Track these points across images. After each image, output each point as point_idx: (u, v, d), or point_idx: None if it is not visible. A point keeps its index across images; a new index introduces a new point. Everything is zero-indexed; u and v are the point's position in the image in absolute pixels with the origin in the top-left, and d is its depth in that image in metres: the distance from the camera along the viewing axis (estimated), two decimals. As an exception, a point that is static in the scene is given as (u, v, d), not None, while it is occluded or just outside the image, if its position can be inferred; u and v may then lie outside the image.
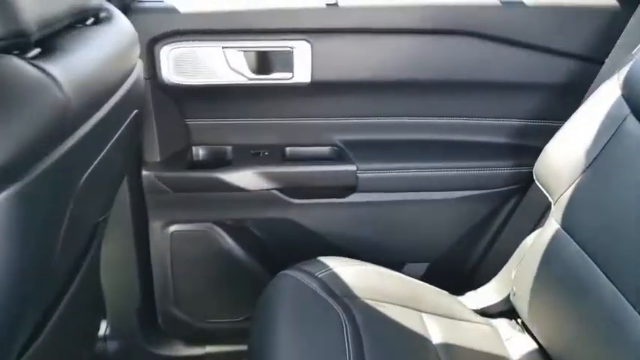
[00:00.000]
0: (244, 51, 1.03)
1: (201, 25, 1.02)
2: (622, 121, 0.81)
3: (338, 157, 1.17)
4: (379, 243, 1.20)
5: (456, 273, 1.23)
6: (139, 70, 0.79)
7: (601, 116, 0.85)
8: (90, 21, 0.67)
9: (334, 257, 1.00)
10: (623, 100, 0.83)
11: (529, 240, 0.97)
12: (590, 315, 0.76)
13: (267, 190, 1.12)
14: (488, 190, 1.16)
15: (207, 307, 1.23)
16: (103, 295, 1.12)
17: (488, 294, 1.03)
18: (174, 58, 1.02)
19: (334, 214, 1.16)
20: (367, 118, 1.16)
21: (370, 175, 1.13)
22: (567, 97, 1.06)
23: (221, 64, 1.03)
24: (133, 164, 1.08)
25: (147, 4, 1.02)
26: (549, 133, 0.97)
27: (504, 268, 1.02)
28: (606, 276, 0.74)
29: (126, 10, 0.98)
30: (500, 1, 1.03)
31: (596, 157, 0.83)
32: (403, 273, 1.23)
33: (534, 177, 0.97)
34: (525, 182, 1.12)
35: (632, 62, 0.83)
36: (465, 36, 1.05)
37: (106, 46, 0.65)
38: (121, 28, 0.73)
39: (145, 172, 1.09)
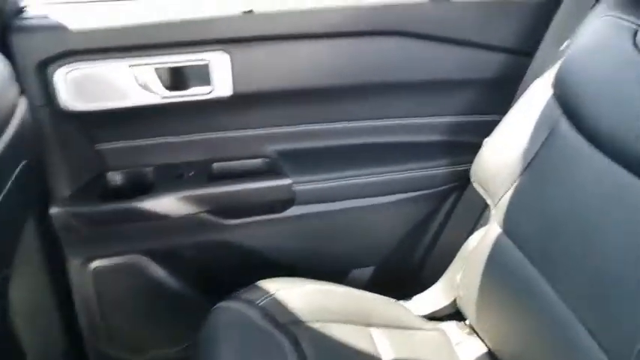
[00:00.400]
0: (155, 67, 0.93)
1: (102, 43, 0.90)
2: (555, 123, 0.80)
3: (271, 169, 1.10)
4: (323, 253, 1.16)
5: (402, 275, 1.21)
6: (22, 112, 0.68)
7: (534, 117, 0.84)
8: None
9: (275, 279, 0.95)
10: (554, 99, 0.82)
11: (471, 241, 0.96)
12: (534, 320, 0.76)
13: (195, 213, 1.03)
14: (427, 191, 1.13)
15: (144, 340, 1.14)
16: (22, 348, 1.01)
17: (435, 297, 1.02)
18: (72, 81, 0.90)
19: (273, 231, 1.10)
20: (299, 125, 1.10)
21: (307, 186, 1.07)
22: (500, 91, 1.05)
23: (130, 84, 0.93)
24: (37, 205, 0.96)
25: (32, 22, 0.88)
26: (484, 128, 0.96)
27: (449, 269, 1.01)
28: (547, 281, 0.73)
29: (5, 31, 0.86)
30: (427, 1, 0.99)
31: (532, 160, 0.82)
32: (349, 279, 1.22)
33: (472, 180, 0.96)
34: (463, 180, 1.10)
35: (561, 60, 0.82)
36: (391, 36, 1.00)
37: None
38: None
39: (53, 210, 0.97)
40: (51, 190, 0.98)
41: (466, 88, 1.10)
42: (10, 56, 0.83)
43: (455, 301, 0.97)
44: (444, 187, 1.14)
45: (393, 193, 1.12)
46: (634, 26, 0.71)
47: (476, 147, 0.95)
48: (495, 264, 0.85)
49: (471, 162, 0.96)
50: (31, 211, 0.93)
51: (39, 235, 0.97)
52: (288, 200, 1.08)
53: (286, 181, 1.06)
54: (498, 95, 1.04)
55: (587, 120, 0.74)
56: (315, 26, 0.97)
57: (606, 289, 0.65)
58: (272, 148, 1.10)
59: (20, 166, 0.67)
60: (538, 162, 0.81)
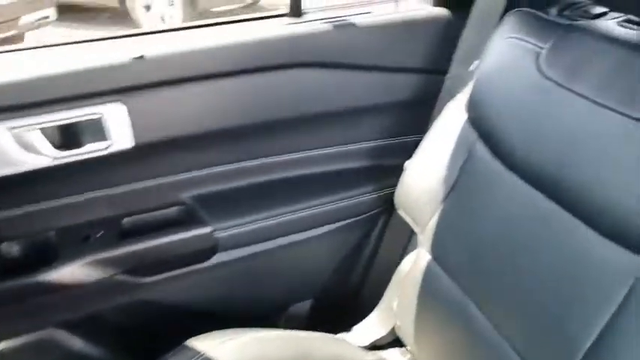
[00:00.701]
0: (41, 128, 0.83)
1: None
2: (472, 146, 0.79)
3: (188, 217, 1.02)
4: (256, 295, 1.10)
5: (341, 305, 1.18)
6: None
7: (452, 140, 0.83)
8: None
9: (206, 335, 0.88)
10: (469, 123, 0.81)
11: (403, 268, 0.94)
12: (468, 345, 0.75)
13: (110, 276, 0.95)
14: (356, 218, 1.10)
15: None
16: None
17: (374, 327, 1.00)
18: None
19: (198, 282, 1.03)
20: (213, 167, 1.02)
21: (230, 232, 1.00)
22: (418, 111, 1.03)
23: (12, 149, 0.82)
24: None
25: None
26: (406, 150, 0.94)
27: (384, 296, 0.99)
28: (477, 306, 0.73)
29: None
30: (327, 28, 0.95)
31: (453, 185, 0.81)
32: (289, 315, 1.17)
33: (397, 208, 0.94)
34: (389, 203, 1.08)
35: (472, 83, 0.81)
36: (296, 68, 0.95)
37: None
38: None
39: None
40: None
41: (383, 111, 1.07)
42: None
43: (394, 328, 0.95)
44: (371, 213, 1.11)
45: (321, 225, 1.08)
46: (537, 49, 0.71)
47: (399, 169, 0.94)
48: (427, 291, 0.84)
49: (396, 185, 0.94)
50: None
51: None
52: (211, 248, 1.01)
53: (206, 229, 0.99)
54: (416, 116, 1.02)
55: (501, 145, 0.73)
56: (213, 65, 0.91)
57: (533, 312, 0.65)
58: (187, 195, 1.02)
59: None
60: (459, 187, 0.80)
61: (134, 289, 0.98)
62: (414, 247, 0.93)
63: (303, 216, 1.05)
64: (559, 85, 0.66)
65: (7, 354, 0.94)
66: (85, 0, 4.50)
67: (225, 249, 1.02)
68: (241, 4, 4.50)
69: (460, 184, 0.80)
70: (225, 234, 1.00)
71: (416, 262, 0.88)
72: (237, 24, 0.99)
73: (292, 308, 1.18)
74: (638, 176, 0.56)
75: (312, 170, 1.08)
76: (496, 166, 0.74)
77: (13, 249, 0.95)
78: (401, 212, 0.92)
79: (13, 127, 0.82)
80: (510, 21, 0.77)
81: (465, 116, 0.82)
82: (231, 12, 4.37)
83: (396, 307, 0.92)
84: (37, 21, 3.63)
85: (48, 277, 0.89)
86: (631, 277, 0.55)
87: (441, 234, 0.82)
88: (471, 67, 0.84)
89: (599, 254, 0.59)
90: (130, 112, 0.87)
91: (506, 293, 0.69)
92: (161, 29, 0.98)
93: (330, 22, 0.94)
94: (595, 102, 0.61)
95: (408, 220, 0.91)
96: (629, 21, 0.67)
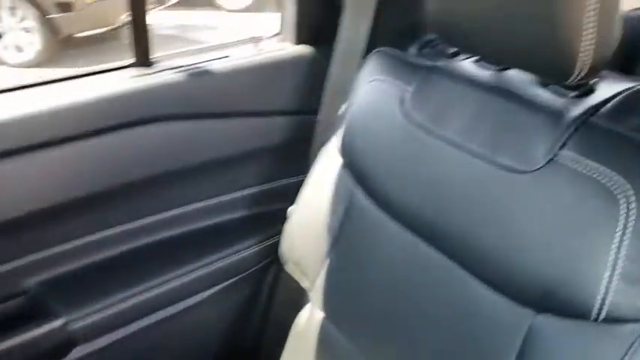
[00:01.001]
0: None
1: None
2: (351, 194, 0.74)
3: (35, 308, 0.86)
4: None
5: None
6: None
7: (330, 187, 0.78)
8: None
9: None
10: (346, 169, 0.76)
11: (298, 327, 0.88)
12: None
13: None
14: (243, 274, 1.01)
15: None
16: None
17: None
18: None
19: None
20: (64, 244, 0.88)
21: (90, 319, 0.86)
22: (295, 154, 0.97)
23: None
24: None
25: None
26: (287, 194, 0.88)
27: (283, 356, 0.92)
28: None
29: None
30: (181, 77, 0.86)
31: (337, 236, 0.76)
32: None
33: (282, 262, 0.87)
34: (276, 253, 1.01)
35: (343, 127, 0.77)
36: (155, 122, 0.86)
37: None
38: None
39: None
40: None
41: (257, 157, 1.00)
42: None
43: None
44: (259, 266, 1.03)
45: (204, 288, 0.97)
46: (400, 93, 0.68)
47: (283, 216, 0.87)
48: (323, 352, 0.78)
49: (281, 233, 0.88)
50: None
51: None
52: (66, 343, 0.86)
53: (55, 323, 0.84)
54: (294, 158, 0.97)
55: (378, 192, 0.70)
56: (50, 132, 0.79)
57: None
58: (31, 281, 0.86)
59: None
60: (344, 237, 0.75)
61: None
62: (308, 304, 0.88)
63: (181, 283, 0.94)
64: (425, 130, 0.63)
65: None
66: None
67: (85, 341, 0.87)
68: (108, 28, 4.20)
69: (344, 234, 0.75)
70: (82, 323, 0.86)
71: (309, 321, 0.82)
72: (77, 79, 0.87)
73: None
74: (511, 224, 0.53)
75: (186, 228, 0.98)
76: (376, 213, 0.70)
77: None
78: (287, 266, 0.86)
79: None
80: (373, 62, 0.74)
81: (340, 161, 0.77)
82: (97, 37, 4.07)
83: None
84: None
85: None
86: (521, 331, 0.53)
87: (331, 290, 0.77)
88: (341, 110, 0.80)
89: (484, 305, 0.56)
90: None
91: (402, 353, 0.65)
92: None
93: (185, 70, 0.85)
94: (460, 147, 0.59)
95: (295, 274, 0.85)
96: (483, 60, 0.66)
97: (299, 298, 0.98)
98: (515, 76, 0.60)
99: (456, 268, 0.59)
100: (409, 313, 0.65)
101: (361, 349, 0.71)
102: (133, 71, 0.87)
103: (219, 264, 0.98)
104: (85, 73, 0.88)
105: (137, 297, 0.90)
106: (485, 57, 0.60)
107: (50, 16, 3.83)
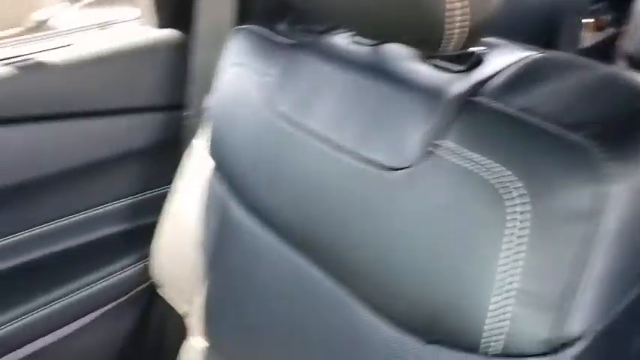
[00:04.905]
0: None
1: None
2: (224, 202, 0.62)
3: None
4: None
5: None
6: None
7: (202, 196, 0.65)
8: None
9: None
10: (217, 173, 0.64)
11: (183, 358, 0.75)
12: None
13: None
14: (122, 299, 0.86)
15: None
16: None
17: None
18: None
19: None
20: None
21: None
22: (162, 158, 0.83)
23: None
24: None
25: None
26: (158, 207, 0.75)
27: None
28: None
29: None
30: (10, 72, 0.69)
31: (214, 254, 0.64)
32: None
33: (155, 287, 0.74)
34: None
35: (211, 124, 0.64)
36: None
37: None
38: None
39: None
40: None
41: (123, 162, 0.84)
42: None
43: None
44: (140, 288, 0.88)
45: (81, 314, 0.82)
46: (263, 78, 0.56)
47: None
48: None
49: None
50: None
51: None
52: None
53: None
54: (161, 164, 0.82)
55: (250, 198, 0.58)
56: None
57: None
58: None
59: None
60: (220, 256, 0.64)
61: None
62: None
63: (53, 310, 0.79)
64: (289, 121, 0.52)
65: None
66: None
67: None
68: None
69: (220, 252, 0.63)
70: None
71: (192, 352, 0.70)
72: None
73: None
74: (386, 234, 0.43)
75: (43, 252, 0.82)
76: (253, 226, 0.58)
77: None
78: (161, 290, 0.73)
79: None
80: (236, 43, 0.61)
81: (211, 163, 0.65)
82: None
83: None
84: None
85: None
86: None
87: (211, 316, 0.65)
88: (205, 102, 0.67)
89: (366, 332, 0.46)
90: None
91: None
92: None
93: (15, 63, 0.69)
94: (326, 141, 0.48)
95: (172, 299, 0.72)
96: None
97: (182, 326, 0.85)
98: (392, 51, 0.49)
99: (335, 286, 0.49)
100: (293, 340, 0.54)
101: None
102: None
103: (93, 288, 0.83)
104: None
105: (6, 326, 0.75)
106: (362, 30, 0.49)
107: None
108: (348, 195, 0.45)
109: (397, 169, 0.41)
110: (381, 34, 0.46)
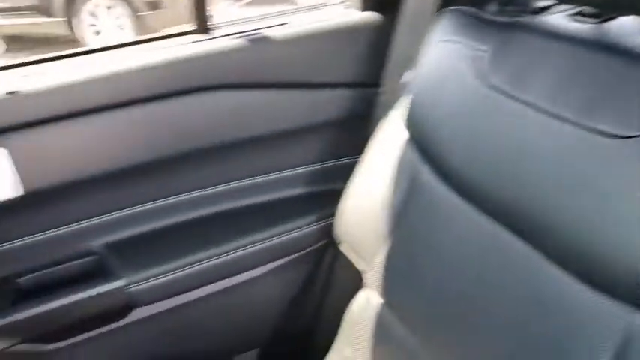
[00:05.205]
0: None
1: None
2: (416, 171, 0.67)
3: (99, 269, 0.87)
4: (190, 351, 0.96)
5: (290, 353, 1.05)
6: None
7: (392, 163, 0.71)
8: None
9: None
10: (411, 143, 0.69)
11: (353, 312, 0.81)
12: None
13: (9, 347, 0.80)
14: (299, 253, 0.97)
15: None
16: None
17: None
18: None
19: (112, 345, 0.88)
20: (125, 209, 0.88)
21: (148, 283, 0.86)
22: (354, 130, 0.91)
23: None
24: None
25: None
26: (344, 174, 0.82)
27: (336, 343, 0.86)
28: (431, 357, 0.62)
29: None
30: (239, 44, 0.82)
31: (398, 216, 0.69)
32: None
33: (337, 242, 0.81)
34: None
35: (410, 98, 0.70)
36: (212, 90, 0.82)
37: None
38: None
39: None
40: None
41: (315, 132, 0.94)
42: None
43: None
44: (315, 246, 0.97)
45: (258, 264, 0.94)
46: (476, 53, 0.59)
47: (340, 196, 0.81)
48: (380, 339, 0.72)
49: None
50: None
51: None
52: (126, 304, 0.86)
53: (117, 283, 0.85)
54: (352, 135, 0.90)
55: (447, 167, 0.62)
56: (112, 95, 0.77)
57: None
58: (97, 243, 0.87)
59: None
60: (406, 219, 0.68)
61: (37, 358, 0.83)
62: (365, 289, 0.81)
63: (235, 256, 0.91)
64: (504, 93, 0.55)
65: None
66: (32, 30, 4.32)
67: (143, 304, 0.87)
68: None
69: (407, 214, 0.68)
70: (143, 286, 0.86)
71: (366, 306, 0.76)
72: (138, 45, 0.86)
73: (237, 359, 1.04)
74: (603, 199, 0.44)
75: (242, 203, 0.94)
76: (444, 192, 0.62)
77: None
78: (343, 247, 0.80)
79: None
80: (444, 22, 0.66)
81: (405, 134, 0.70)
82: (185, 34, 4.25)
83: (351, 354, 0.80)
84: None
85: None
86: (616, 332, 0.43)
87: (389, 274, 0.70)
88: (404, 78, 0.72)
89: (569, 300, 0.47)
90: (13, 155, 0.74)
91: (467, 344, 0.58)
92: (47, 57, 0.84)
93: (242, 37, 0.82)
94: (546, 112, 0.50)
95: (351, 256, 0.79)
96: (581, 14, 0.56)
97: (356, 282, 0.92)
98: (623, 25, 0.50)
99: (535, 254, 0.51)
100: (479, 304, 0.57)
101: (422, 340, 0.64)
102: (192, 38, 0.85)
103: (275, 240, 0.94)
104: (145, 39, 0.86)
105: (195, 266, 0.89)
106: (588, 5, 0.51)
107: (141, 14, 4.05)
108: (564, 162, 0.48)
109: (626, 137, 0.43)
110: (616, 7, 0.47)
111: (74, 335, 0.85)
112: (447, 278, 0.61)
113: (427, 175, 0.65)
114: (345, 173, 0.83)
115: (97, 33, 4.21)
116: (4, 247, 0.82)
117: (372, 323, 0.73)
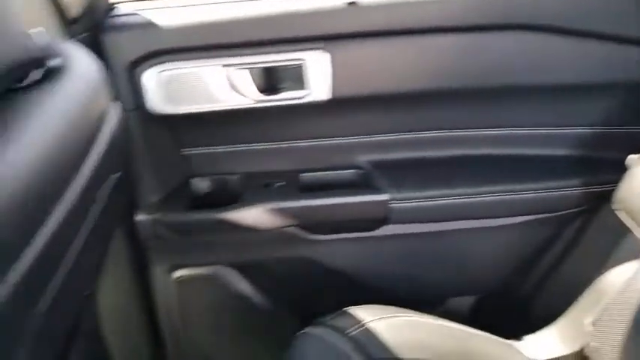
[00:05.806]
0: (249, 68, 0.85)
1: (194, 41, 0.83)
2: None
3: (364, 181, 0.99)
4: (416, 278, 1.03)
5: (509, 309, 1.06)
6: (114, 120, 0.62)
7: None
8: (35, 76, 0.50)
9: (365, 307, 0.85)
10: None
11: (612, 279, 0.79)
12: None
13: (283, 227, 0.95)
14: (549, 214, 0.96)
15: (224, 355, 1.09)
16: (111, 355, 0.98)
17: (553, 342, 0.86)
18: (162, 82, 0.84)
19: (362, 250, 0.99)
20: (399, 133, 0.98)
21: (405, 204, 0.94)
22: None
23: (222, 86, 0.85)
24: (124, 213, 0.92)
25: (123, 20, 0.83)
26: (630, 143, 0.80)
27: (573, 308, 0.85)
28: None
29: (97, 30, 0.81)
30: None
31: None
32: (444, 309, 1.09)
33: (615, 207, 0.79)
34: (594, 203, 0.93)
35: None
36: (516, 30, 0.84)
37: (58, 114, 0.49)
38: (79, 76, 0.56)
39: (140, 217, 0.93)
40: (137, 197, 0.93)
41: (609, 92, 0.92)
42: (102, 58, 0.79)
43: (582, 350, 0.81)
44: (570, 211, 0.96)
45: (506, 215, 0.96)
46: None
47: (616, 165, 0.79)
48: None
49: (608, 182, 0.80)
50: (118, 221, 0.89)
51: (125, 241, 0.94)
52: (382, 219, 0.96)
53: (382, 197, 0.94)
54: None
55: None
56: (430, 20, 0.84)
57: None
58: (367, 158, 0.99)
59: (113, 179, 0.61)
60: None
61: (302, 244, 0.98)
62: (623, 257, 0.78)
63: (487, 200, 0.94)
64: None
65: (183, 281, 1.00)
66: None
67: (397, 222, 0.96)
68: None
69: None
70: (399, 205, 0.94)
71: (636, 275, 0.73)
72: None
73: (451, 301, 1.09)
74: None
75: (510, 151, 0.97)
76: None
77: (201, 185, 1.00)
78: (620, 213, 0.78)
79: (226, 65, 0.85)
80: None
81: None
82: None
83: (593, 325, 0.78)
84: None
85: (228, 217, 0.92)
86: None
87: None
88: None
89: None
90: (333, 61, 0.86)
91: None
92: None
93: None
94: None
95: (630, 223, 0.76)
96: None
97: (608, 254, 0.88)
98: None
99: None
100: None
101: None
102: None
103: (534, 195, 0.94)
104: None
105: (447, 199, 0.94)
106: None
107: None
108: None
109: None
110: None
111: (334, 233, 0.97)
112: None
113: None
114: (626, 143, 0.80)
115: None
116: (296, 145, 0.98)
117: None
